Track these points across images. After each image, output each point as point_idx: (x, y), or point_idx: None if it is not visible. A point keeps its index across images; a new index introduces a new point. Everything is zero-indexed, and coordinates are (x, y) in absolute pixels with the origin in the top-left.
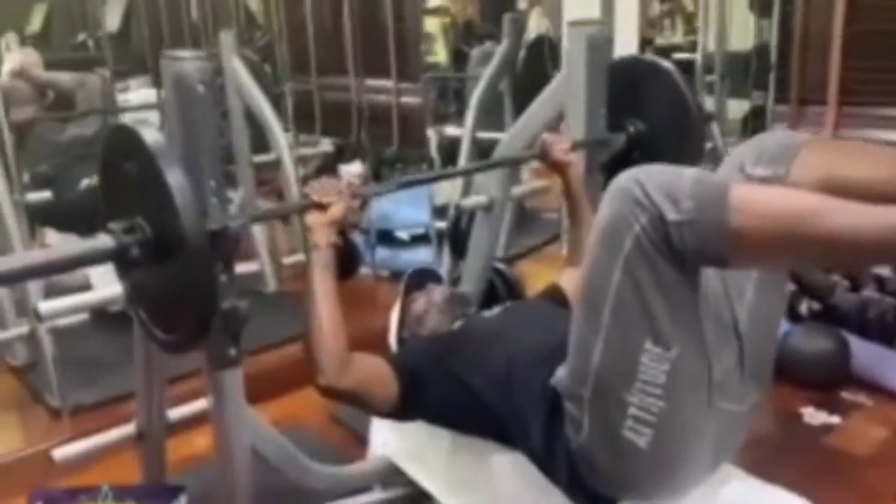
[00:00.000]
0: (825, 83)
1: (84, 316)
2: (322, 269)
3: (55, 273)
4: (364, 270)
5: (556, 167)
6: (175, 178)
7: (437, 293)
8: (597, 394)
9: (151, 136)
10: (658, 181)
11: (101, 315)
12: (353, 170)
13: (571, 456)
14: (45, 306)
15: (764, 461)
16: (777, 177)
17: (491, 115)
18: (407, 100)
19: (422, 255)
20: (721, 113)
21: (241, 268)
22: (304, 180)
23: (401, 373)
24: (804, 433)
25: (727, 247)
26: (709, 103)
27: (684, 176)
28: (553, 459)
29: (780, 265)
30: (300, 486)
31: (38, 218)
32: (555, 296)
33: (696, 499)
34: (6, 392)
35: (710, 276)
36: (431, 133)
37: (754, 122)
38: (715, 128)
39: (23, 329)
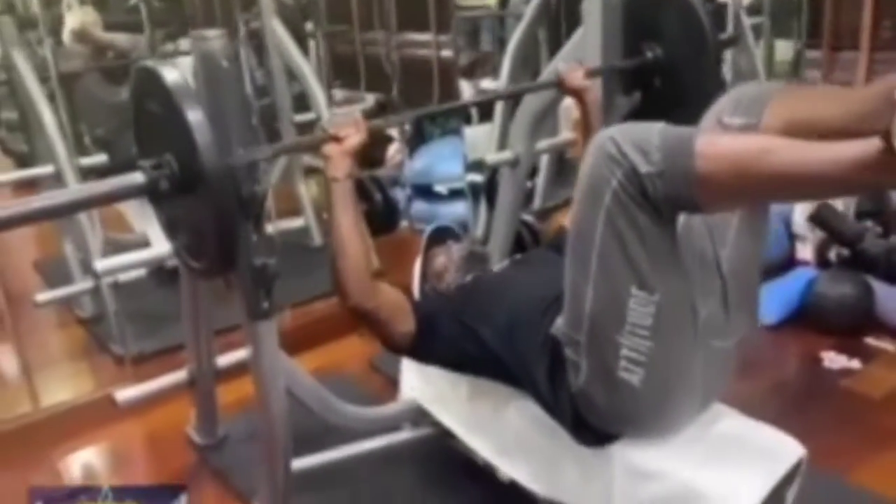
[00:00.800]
0: (857, 29)
1: (142, 273)
2: (343, 199)
3: (93, 207)
4: (404, 224)
5: (574, 93)
6: (194, 115)
7: (456, 250)
8: (591, 338)
9: (172, 75)
10: (630, 137)
11: (159, 271)
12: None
13: (574, 398)
14: (101, 264)
15: (779, 403)
16: (750, 125)
17: (527, 69)
18: (448, 53)
19: (460, 209)
20: (769, 53)
21: (288, 223)
22: None
23: (418, 314)
24: (822, 377)
25: (696, 192)
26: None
27: (653, 130)
28: (558, 402)
29: (745, 203)
30: (336, 426)
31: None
32: (560, 241)
33: (689, 436)
34: (76, 342)
35: (694, 223)
36: (466, 85)
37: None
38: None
39: (87, 284)
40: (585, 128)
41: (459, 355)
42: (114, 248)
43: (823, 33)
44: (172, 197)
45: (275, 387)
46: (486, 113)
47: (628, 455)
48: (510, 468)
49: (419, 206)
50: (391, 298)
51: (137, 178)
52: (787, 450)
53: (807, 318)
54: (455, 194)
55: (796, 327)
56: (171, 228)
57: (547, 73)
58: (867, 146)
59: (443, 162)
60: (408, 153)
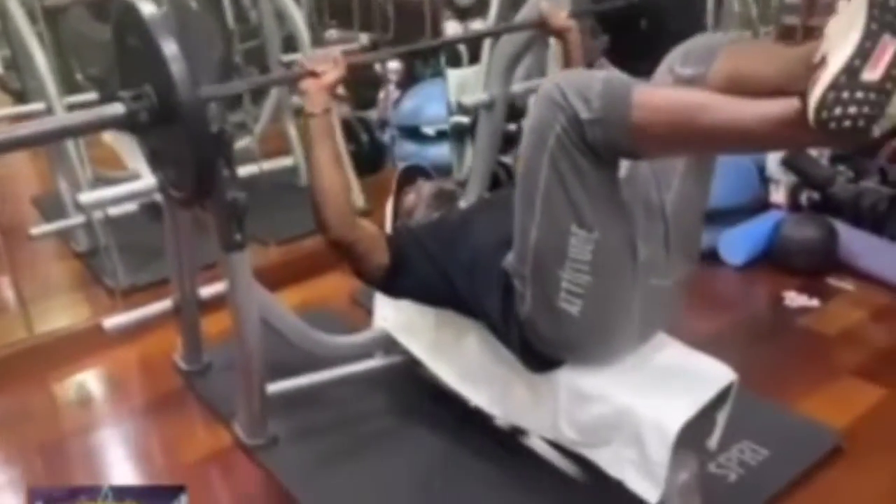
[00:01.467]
0: None
1: (133, 207)
2: (321, 133)
3: (75, 135)
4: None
5: (556, 33)
6: (169, 48)
7: (426, 188)
8: (535, 270)
9: (148, 9)
10: (574, 85)
11: (151, 207)
12: (392, 66)
13: (521, 326)
14: (85, 197)
15: (738, 338)
16: (700, 75)
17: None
18: None
19: (447, 151)
20: None
21: (277, 163)
22: None
23: (392, 249)
24: (782, 314)
25: (632, 140)
26: None
27: (595, 79)
28: (508, 331)
29: (679, 153)
30: (311, 354)
31: None
32: None
33: (630, 364)
34: (72, 274)
35: (640, 168)
36: (456, 26)
37: None
38: None
39: (80, 219)
40: (567, 65)
41: (426, 289)
42: (105, 184)
43: None
44: (153, 128)
45: (249, 315)
46: (474, 55)
47: (572, 380)
48: (471, 393)
49: (407, 147)
50: (369, 233)
51: (118, 108)
52: (718, 375)
53: (773, 259)
54: (442, 136)
55: (763, 268)
56: (153, 160)
57: (526, 10)
58: (788, 105)
59: (430, 103)
60: (398, 95)
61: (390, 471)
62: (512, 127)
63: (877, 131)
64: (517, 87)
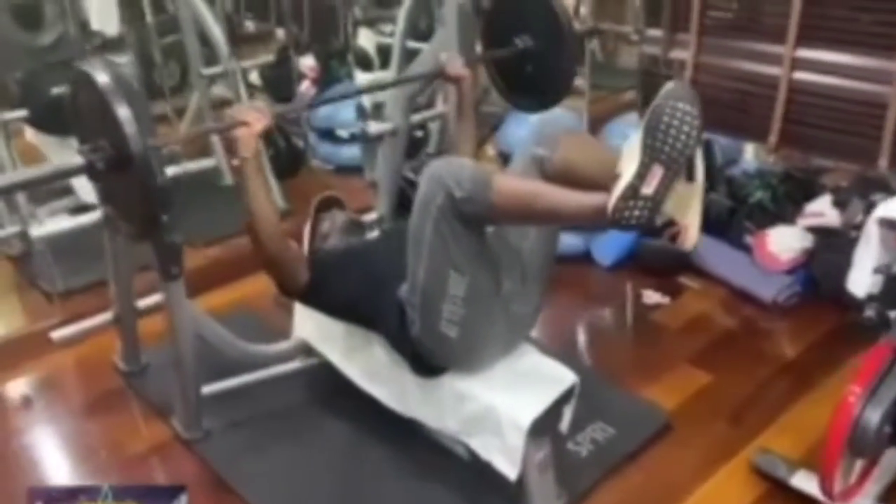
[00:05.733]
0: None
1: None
2: (254, 173)
3: (41, 185)
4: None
5: (454, 81)
6: (123, 112)
7: (339, 218)
8: (423, 302)
9: (103, 78)
10: (451, 170)
11: (83, 209)
12: (307, 62)
13: (412, 343)
14: (37, 232)
15: (601, 330)
16: (547, 157)
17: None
18: None
19: (358, 152)
20: None
21: (200, 164)
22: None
23: (311, 270)
24: (639, 309)
25: (492, 214)
26: None
27: (467, 167)
28: (402, 345)
29: (526, 224)
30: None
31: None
32: None
33: (497, 369)
34: (5, 278)
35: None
36: (368, 33)
37: None
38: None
39: (14, 229)
40: (460, 109)
41: (336, 306)
42: (37, 192)
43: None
44: (107, 174)
45: (185, 333)
46: (384, 61)
47: (452, 383)
48: (374, 390)
49: (324, 148)
50: (294, 253)
51: (78, 160)
52: (563, 378)
53: (636, 261)
54: (355, 137)
55: (628, 269)
56: (104, 197)
57: (422, 60)
58: (596, 201)
59: (344, 108)
60: (316, 92)
61: (310, 457)
62: (419, 133)
63: (659, 221)
64: (415, 117)
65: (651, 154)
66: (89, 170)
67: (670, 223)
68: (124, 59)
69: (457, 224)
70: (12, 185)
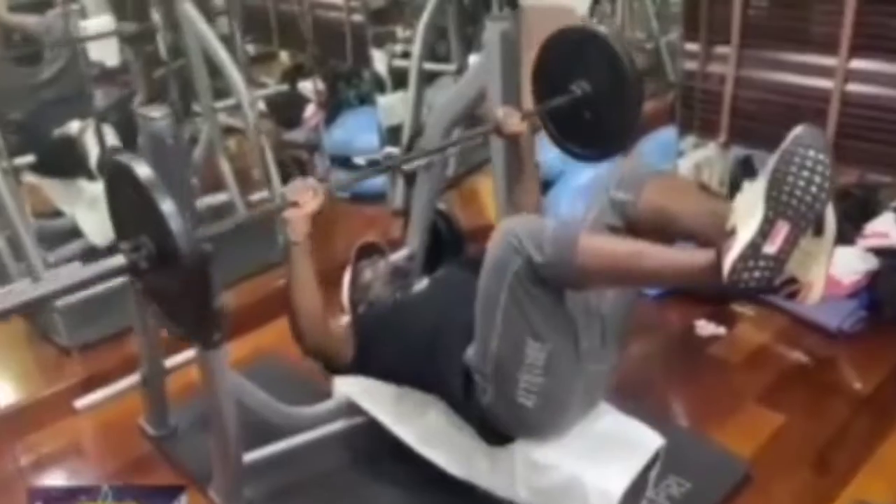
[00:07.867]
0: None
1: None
2: (302, 258)
3: (81, 290)
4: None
5: (510, 137)
6: (167, 206)
7: (381, 266)
8: (496, 371)
9: (144, 171)
10: (528, 232)
11: (92, 252)
12: (309, 86)
13: (482, 410)
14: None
15: (655, 369)
16: (630, 202)
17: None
18: (360, 17)
19: (378, 180)
20: None
21: (212, 199)
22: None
23: (356, 338)
24: (693, 343)
25: (577, 278)
26: None
27: (547, 227)
28: (469, 411)
29: (615, 287)
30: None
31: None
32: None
33: (574, 434)
34: (16, 332)
35: None
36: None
37: None
38: None
39: (24, 283)
40: (521, 164)
41: (389, 372)
42: (45, 236)
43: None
44: (150, 273)
45: (226, 401)
46: (400, 82)
47: (526, 452)
48: (432, 455)
49: (339, 176)
50: (337, 336)
51: (119, 260)
52: (650, 441)
53: (682, 291)
54: (373, 165)
55: (676, 298)
56: (148, 295)
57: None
58: (706, 261)
59: (361, 134)
60: (323, 116)
61: None
62: None
63: (777, 281)
64: (452, 150)
65: (777, 208)
66: (132, 271)
67: (790, 280)
68: (159, 113)
69: (536, 289)
70: (43, 297)
